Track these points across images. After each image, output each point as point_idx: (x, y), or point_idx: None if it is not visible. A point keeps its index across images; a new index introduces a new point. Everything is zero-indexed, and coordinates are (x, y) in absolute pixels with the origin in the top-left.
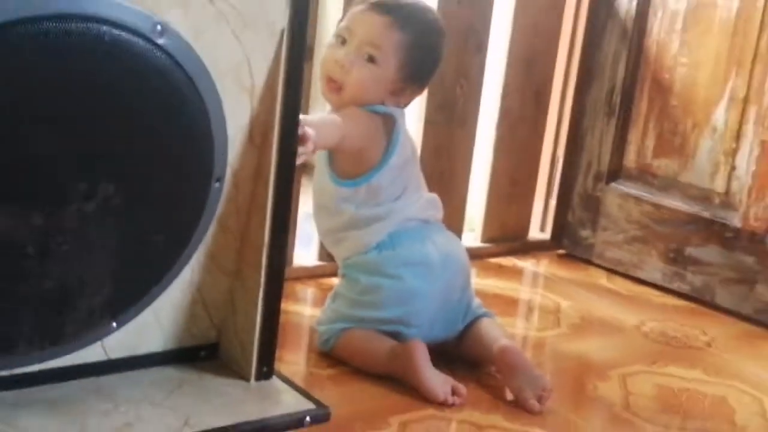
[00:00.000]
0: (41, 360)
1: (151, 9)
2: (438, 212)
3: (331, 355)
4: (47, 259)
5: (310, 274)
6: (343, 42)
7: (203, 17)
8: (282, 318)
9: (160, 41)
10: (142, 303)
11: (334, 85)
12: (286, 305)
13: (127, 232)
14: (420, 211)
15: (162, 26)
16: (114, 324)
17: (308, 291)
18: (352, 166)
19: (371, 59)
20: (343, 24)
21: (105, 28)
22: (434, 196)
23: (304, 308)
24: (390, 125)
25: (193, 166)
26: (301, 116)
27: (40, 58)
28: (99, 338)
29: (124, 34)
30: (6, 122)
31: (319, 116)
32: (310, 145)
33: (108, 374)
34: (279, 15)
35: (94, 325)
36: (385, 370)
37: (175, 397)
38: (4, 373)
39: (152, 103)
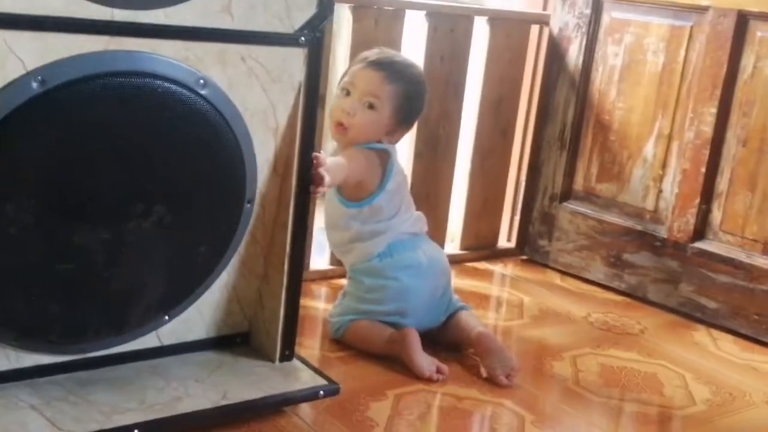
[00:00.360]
0: (108, 346)
1: (195, 66)
2: (424, 226)
3: (341, 342)
4: (114, 266)
5: (323, 276)
6: (348, 93)
7: (237, 73)
8: (301, 312)
9: (203, 92)
10: (188, 300)
11: (341, 128)
12: (304, 302)
13: (177, 244)
14: (411, 226)
15: (204, 80)
16: (166, 317)
17: (322, 290)
18: (355, 193)
19: (371, 106)
20: (346, 79)
21: (159, 81)
22: (421, 213)
23: (319, 304)
24: (385, 158)
25: (229, 191)
26: (321, 157)
27: (110, 105)
28: (154, 328)
29: (174, 87)
30: (83, 156)
31: (331, 160)
32: (325, 184)
33: (162, 357)
34: (297, 71)
35: (151, 318)
36: (385, 352)
37: (215, 376)
38: (79, 356)
39: (196, 140)
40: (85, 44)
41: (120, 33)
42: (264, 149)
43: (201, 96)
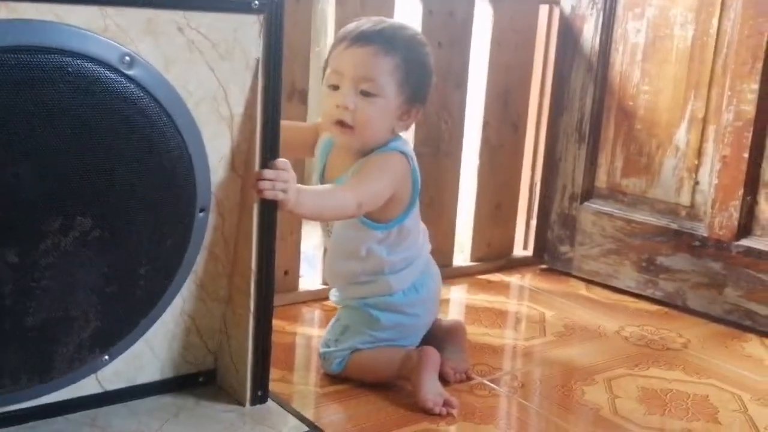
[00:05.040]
0: (34, 396)
1: (118, 39)
2: (428, 242)
3: (343, 375)
4: (25, 297)
5: (315, 297)
6: (336, 87)
7: (174, 47)
8: (290, 339)
9: (130, 72)
10: (133, 334)
11: (346, 127)
12: (293, 327)
13: (109, 265)
14: (428, 247)
15: (130, 57)
16: (106, 357)
17: (315, 313)
18: (382, 212)
19: (369, 94)
20: (329, 70)
21: (68, 59)
22: (423, 225)
23: (312, 330)
24: (408, 165)
25: (174, 197)
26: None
27: (7, 90)
28: (92, 371)
29: (90, 65)
30: None
31: (328, 188)
32: (286, 207)
33: (105, 406)
34: (253, 45)
35: (84, 359)
36: (396, 373)
37: (169, 427)
38: None
39: (124, 134)
40: None
41: None
42: (217, 144)
43: (127, 77)
